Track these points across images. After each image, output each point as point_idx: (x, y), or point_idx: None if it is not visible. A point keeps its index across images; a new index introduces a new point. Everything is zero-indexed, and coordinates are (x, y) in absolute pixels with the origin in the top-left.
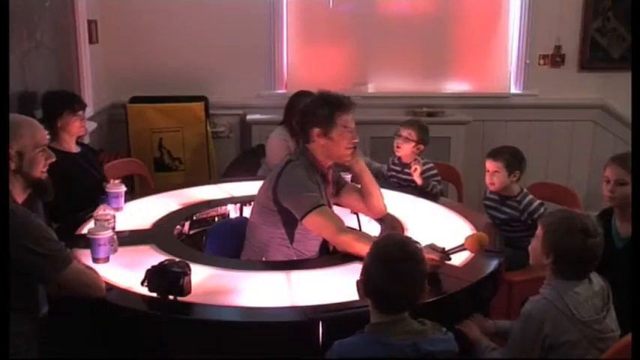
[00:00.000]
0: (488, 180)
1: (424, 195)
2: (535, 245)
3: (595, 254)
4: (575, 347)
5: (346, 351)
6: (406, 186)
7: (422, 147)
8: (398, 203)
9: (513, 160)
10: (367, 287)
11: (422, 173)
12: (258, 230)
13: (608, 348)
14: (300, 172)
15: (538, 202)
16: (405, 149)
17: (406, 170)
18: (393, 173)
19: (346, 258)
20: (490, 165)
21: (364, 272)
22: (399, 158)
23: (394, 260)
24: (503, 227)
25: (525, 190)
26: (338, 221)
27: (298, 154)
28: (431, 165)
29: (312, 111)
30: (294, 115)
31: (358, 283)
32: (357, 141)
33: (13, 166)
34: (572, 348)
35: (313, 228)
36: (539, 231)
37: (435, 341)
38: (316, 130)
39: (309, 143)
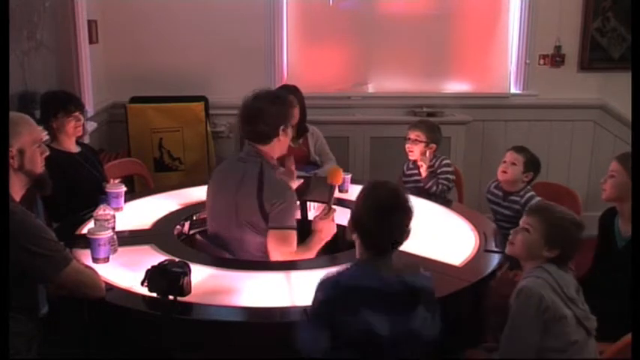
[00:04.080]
0: (502, 168)
1: (424, 194)
2: (531, 238)
3: None
4: (568, 323)
5: (346, 281)
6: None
7: (434, 147)
8: None
9: (533, 160)
10: (357, 226)
11: (434, 172)
12: (250, 244)
13: (592, 328)
14: (284, 184)
15: (539, 199)
16: (417, 152)
17: None
18: (409, 178)
19: (346, 258)
20: (510, 156)
21: (356, 215)
22: (414, 162)
23: (387, 210)
24: (504, 224)
25: (529, 187)
26: (294, 245)
27: (256, 158)
28: (446, 169)
29: (281, 110)
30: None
31: (349, 223)
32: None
33: (15, 164)
34: (567, 324)
35: (271, 241)
36: (535, 224)
37: (420, 278)
38: (283, 128)
39: (269, 143)
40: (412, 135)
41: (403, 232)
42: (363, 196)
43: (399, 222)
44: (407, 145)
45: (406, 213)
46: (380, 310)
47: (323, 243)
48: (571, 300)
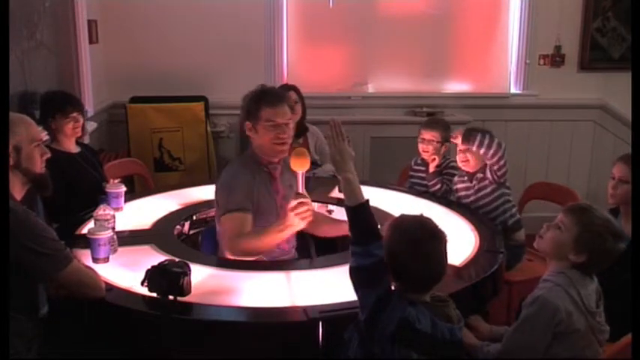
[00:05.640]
0: (421, 148)
1: (426, 195)
2: (562, 239)
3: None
4: (581, 336)
5: (405, 318)
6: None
7: (448, 145)
8: (397, 202)
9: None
10: (395, 272)
11: (440, 172)
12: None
13: (604, 340)
14: (232, 171)
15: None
16: (431, 152)
17: None
18: (416, 174)
19: (346, 258)
20: (427, 134)
21: (390, 257)
22: (423, 159)
23: (419, 240)
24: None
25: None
26: (241, 227)
27: (246, 152)
28: (452, 172)
29: (245, 105)
30: None
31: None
32: (285, 136)
33: (11, 162)
34: (579, 337)
35: (221, 229)
36: (568, 224)
37: (458, 329)
38: (247, 124)
39: (249, 137)
40: (427, 135)
41: (442, 264)
42: (391, 235)
43: (436, 252)
44: (421, 146)
45: (440, 240)
46: (426, 354)
47: (282, 234)
48: (590, 312)
